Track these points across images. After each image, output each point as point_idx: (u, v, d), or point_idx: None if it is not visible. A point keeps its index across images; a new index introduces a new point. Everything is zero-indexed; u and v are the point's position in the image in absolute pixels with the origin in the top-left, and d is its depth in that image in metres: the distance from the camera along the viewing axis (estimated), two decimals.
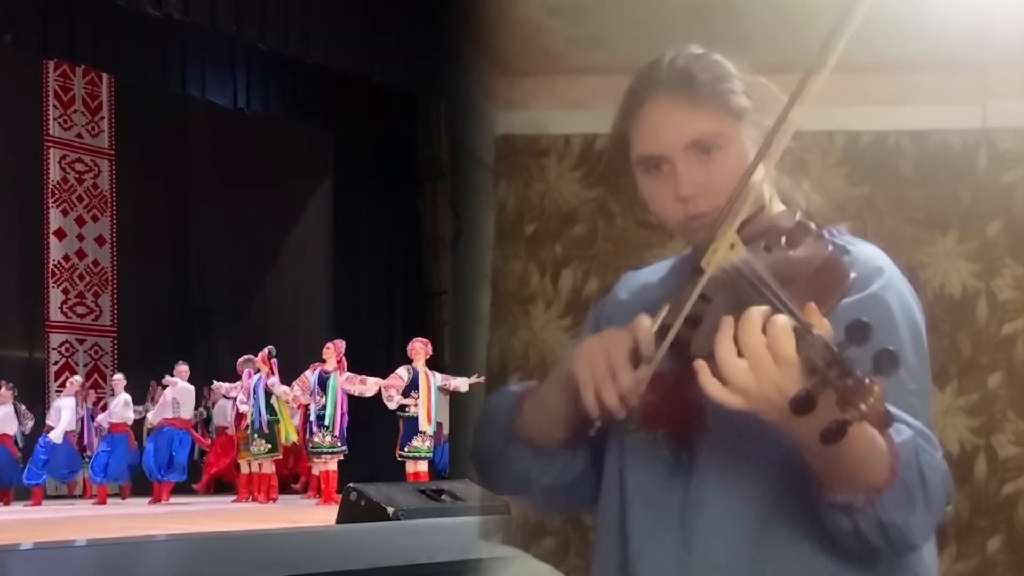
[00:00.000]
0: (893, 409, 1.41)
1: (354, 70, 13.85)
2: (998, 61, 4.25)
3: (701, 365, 1.44)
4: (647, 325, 1.58)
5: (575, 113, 4.04)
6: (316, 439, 12.98)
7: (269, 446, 13.97)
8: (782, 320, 1.38)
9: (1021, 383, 4.24)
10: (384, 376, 12.70)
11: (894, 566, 1.59)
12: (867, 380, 1.29)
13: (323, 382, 13.07)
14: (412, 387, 12.35)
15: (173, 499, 15.35)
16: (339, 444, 13.04)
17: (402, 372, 12.44)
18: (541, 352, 4.07)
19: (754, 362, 1.39)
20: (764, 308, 1.42)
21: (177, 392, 14.91)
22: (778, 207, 1.69)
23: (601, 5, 3.88)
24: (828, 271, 1.54)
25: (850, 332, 1.32)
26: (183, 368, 14.99)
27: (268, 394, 13.76)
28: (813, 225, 1.62)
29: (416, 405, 12.30)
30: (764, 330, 1.40)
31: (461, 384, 12.28)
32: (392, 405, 12.31)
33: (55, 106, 17.93)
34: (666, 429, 1.68)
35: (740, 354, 1.42)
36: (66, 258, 17.99)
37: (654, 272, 1.86)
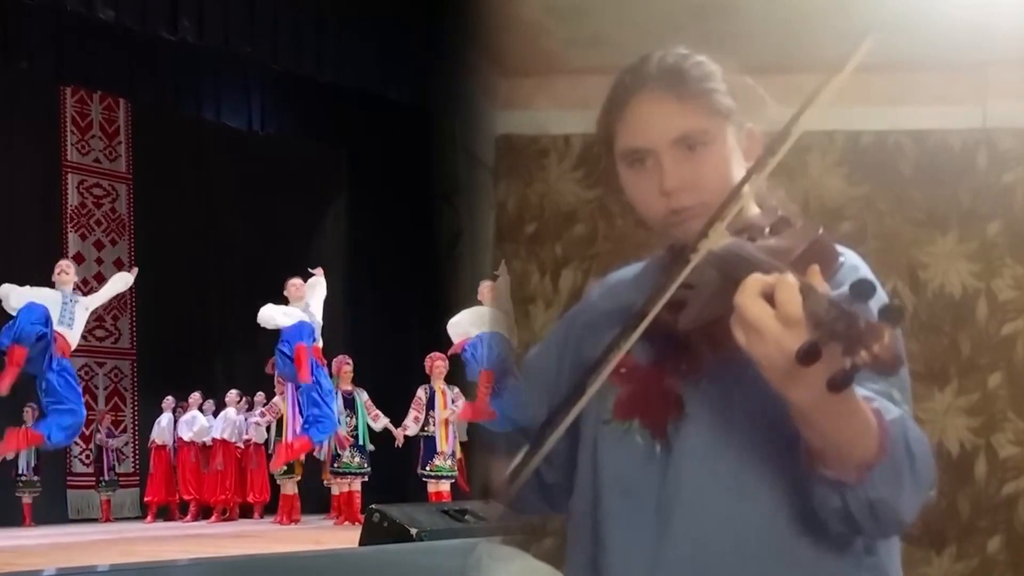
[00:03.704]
0: (869, 393, 1.45)
1: (365, 87, 13.85)
2: (998, 61, 4.26)
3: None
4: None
5: (575, 113, 4.06)
6: (344, 459, 12.94)
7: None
8: (788, 277, 1.38)
9: (1021, 383, 4.24)
10: (401, 394, 12.63)
11: (868, 550, 1.61)
12: (877, 323, 1.29)
13: (349, 402, 13.09)
14: (430, 406, 12.28)
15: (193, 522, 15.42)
16: (366, 465, 13.04)
17: (420, 393, 12.36)
18: None
19: (756, 323, 1.39)
20: (760, 275, 1.42)
21: None
22: (754, 209, 1.71)
23: (601, 5, 3.90)
24: (818, 249, 1.54)
25: (854, 289, 1.33)
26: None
27: None
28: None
29: (434, 424, 12.23)
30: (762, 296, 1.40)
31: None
32: (411, 432, 12.19)
33: (73, 132, 17.96)
34: (641, 418, 1.69)
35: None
36: (84, 282, 17.94)
37: (626, 273, 1.89)
